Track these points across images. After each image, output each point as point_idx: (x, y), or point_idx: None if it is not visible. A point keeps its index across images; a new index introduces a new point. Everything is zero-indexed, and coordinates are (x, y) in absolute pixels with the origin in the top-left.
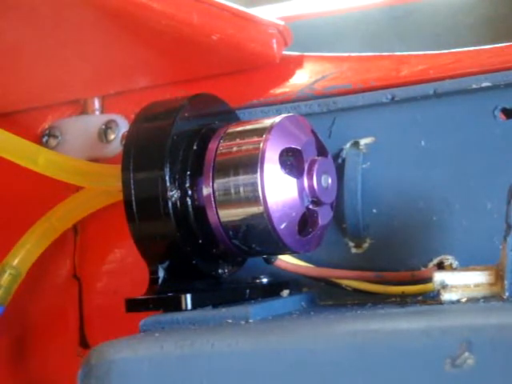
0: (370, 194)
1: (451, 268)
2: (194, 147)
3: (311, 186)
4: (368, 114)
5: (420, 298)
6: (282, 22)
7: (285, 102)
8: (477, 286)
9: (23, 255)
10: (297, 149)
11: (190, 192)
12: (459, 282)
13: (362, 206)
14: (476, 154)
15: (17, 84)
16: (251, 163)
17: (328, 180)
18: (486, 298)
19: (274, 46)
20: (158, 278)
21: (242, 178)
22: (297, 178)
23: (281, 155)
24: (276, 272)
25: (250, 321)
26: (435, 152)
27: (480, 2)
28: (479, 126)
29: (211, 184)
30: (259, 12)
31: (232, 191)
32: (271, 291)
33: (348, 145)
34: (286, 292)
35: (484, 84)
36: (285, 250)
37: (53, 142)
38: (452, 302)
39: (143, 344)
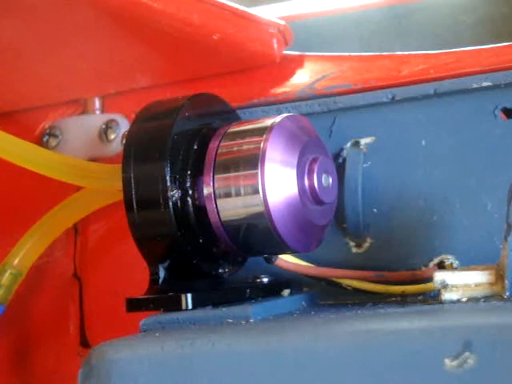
0: (370, 193)
1: (452, 267)
2: (195, 147)
3: (312, 186)
4: (368, 114)
5: (420, 297)
6: (283, 22)
7: (285, 102)
8: (477, 285)
9: (24, 255)
10: (297, 148)
11: (190, 191)
12: (460, 282)
13: (362, 206)
14: (476, 154)
15: (17, 84)
16: (252, 163)
17: (328, 179)
18: (486, 298)
19: (275, 45)
20: (159, 277)
21: (243, 178)
22: (297, 178)
23: (281, 155)
24: (277, 271)
25: (251, 320)
26: (436, 151)
27: (481, 2)
28: (480, 125)
29: (212, 183)
30: (260, 11)
31: (233, 191)
32: (272, 291)
33: (348, 144)
34: (286, 292)
35: (484, 84)
36: (285, 249)
37: (53, 141)
38: (452, 302)
39: (143, 344)
